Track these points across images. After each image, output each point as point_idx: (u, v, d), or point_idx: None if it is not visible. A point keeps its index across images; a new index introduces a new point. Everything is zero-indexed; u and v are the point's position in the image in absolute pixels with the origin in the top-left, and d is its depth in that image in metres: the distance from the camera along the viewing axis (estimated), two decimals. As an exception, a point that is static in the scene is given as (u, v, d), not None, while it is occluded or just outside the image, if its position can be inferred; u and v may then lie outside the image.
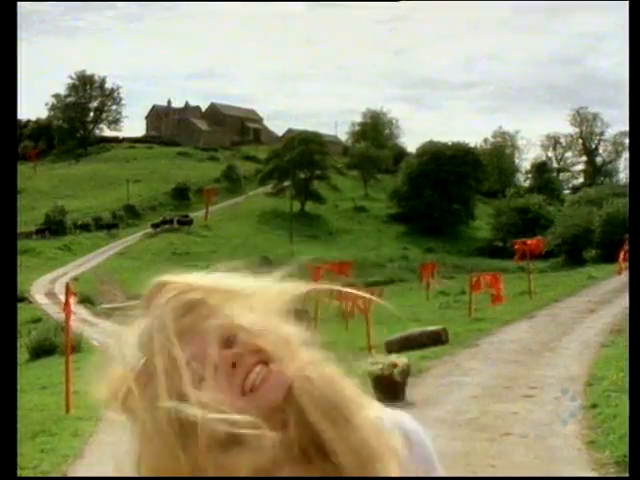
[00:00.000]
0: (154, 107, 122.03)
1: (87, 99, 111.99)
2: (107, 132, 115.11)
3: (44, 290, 44.70)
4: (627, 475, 5.60)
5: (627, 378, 7.78)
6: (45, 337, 20.39)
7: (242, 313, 1.04)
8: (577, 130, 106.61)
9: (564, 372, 10.77)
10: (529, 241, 26.42)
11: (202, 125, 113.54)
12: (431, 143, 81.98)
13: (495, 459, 6.62)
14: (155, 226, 69.37)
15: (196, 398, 0.94)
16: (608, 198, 56.29)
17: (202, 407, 0.93)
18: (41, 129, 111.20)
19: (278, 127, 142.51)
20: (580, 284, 28.05)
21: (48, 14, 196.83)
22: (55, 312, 30.68)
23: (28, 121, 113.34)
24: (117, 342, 1.09)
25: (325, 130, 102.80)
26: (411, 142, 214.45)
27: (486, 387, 10.03)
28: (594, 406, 8.21)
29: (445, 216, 77.19)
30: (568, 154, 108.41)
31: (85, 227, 70.18)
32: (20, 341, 21.75)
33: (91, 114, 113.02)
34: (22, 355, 19.48)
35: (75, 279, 47.22)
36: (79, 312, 32.04)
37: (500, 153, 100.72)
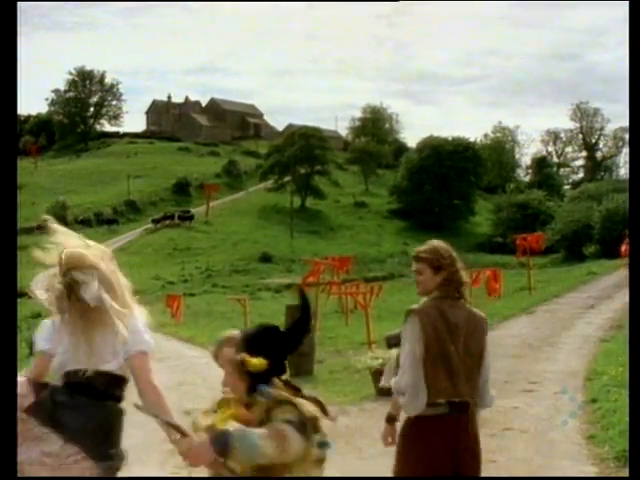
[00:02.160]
0: (154, 102, 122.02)
1: (87, 94, 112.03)
2: (107, 127, 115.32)
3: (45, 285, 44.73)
4: (627, 470, 5.62)
5: (627, 373, 7.80)
6: (45, 332, 20.36)
7: None
8: (577, 125, 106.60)
9: (564, 367, 10.79)
10: (529, 237, 26.39)
11: (202, 120, 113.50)
12: (431, 138, 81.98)
13: (495, 454, 6.64)
14: (155, 221, 69.35)
15: None
16: (608, 193, 56.26)
17: None
18: (41, 124, 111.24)
19: (278, 122, 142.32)
20: (580, 280, 28.06)
21: (47, 9, 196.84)
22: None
23: (28, 116, 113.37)
24: None
25: (325, 125, 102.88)
26: (411, 137, 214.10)
27: (486, 382, 10.05)
28: (594, 401, 8.22)
29: (445, 211, 77.22)
30: (568, 149, 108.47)
31: (86, 222, 70.16)
32: (20, 336, 21.77)
33: (91, 109, 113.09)
34: (22, 350, 19.46)
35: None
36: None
37: (500, 148, 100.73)
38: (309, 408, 2.73)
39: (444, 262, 3.77)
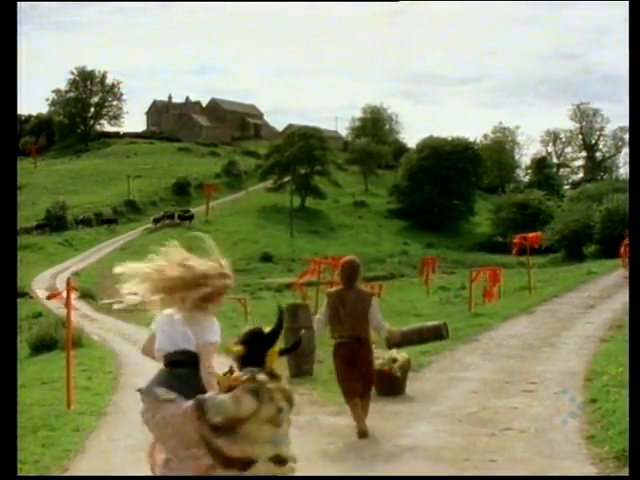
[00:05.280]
0: (155, 102, 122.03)
1: (88, 94, 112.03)
2: (108, 127, 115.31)
3: (45, 285, 44.72)
4: (626, 469, 5.62)
5: (627, 373, 7.80)
6: (46, 332, 20.36)
7: None
8: (577, 125, 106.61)
9: (564, 367, 10.79)
10: (529, 235, 26.37)
11: (202, 120, 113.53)
12: (431, 138, 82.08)
13: (495, 454, 6.65)
14: (156, 221, 69.42)
15: None
16: (608, 193, 56.25)
17: None
18: (42, 124, 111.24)
19: (278, 122, 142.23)
20: (580, 279, 28.01)
21: (47, 9, 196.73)
22: (56, 307, 30.69)
23: (29, 116, 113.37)
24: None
25: (325, 125, 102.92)
26: (411, 137, 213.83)
27: (486, 382, 10.05)
28: (594, 401, 8.22)
29: (445, 211, 77.27)
30: (568, 149, 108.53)
31: (86, 222, 70.22)
32: (21, 336, 21.75)
33: (92, 109, 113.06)
34: (23, 350, 19.49)
35: (76, 274, 47.26)
36: (80, 307, 32.07)
37: (500, 148, 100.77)
38: (265, 382, 3.99)
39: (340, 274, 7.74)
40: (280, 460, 3.99)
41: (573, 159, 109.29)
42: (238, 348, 4.19)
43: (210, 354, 4.34)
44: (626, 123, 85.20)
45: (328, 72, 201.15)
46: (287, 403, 4.09)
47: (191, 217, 70.44)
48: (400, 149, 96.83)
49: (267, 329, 4.24)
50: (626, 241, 24.19)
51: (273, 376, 4.07)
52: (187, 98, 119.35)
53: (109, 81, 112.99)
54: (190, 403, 3.94)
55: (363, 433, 7.21)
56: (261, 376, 4.00)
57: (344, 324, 7.22)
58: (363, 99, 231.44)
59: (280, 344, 4.21)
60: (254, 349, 4.13)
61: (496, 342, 13.85)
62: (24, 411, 9.05)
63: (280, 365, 4.29)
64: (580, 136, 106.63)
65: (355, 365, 7.30)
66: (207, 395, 3.97)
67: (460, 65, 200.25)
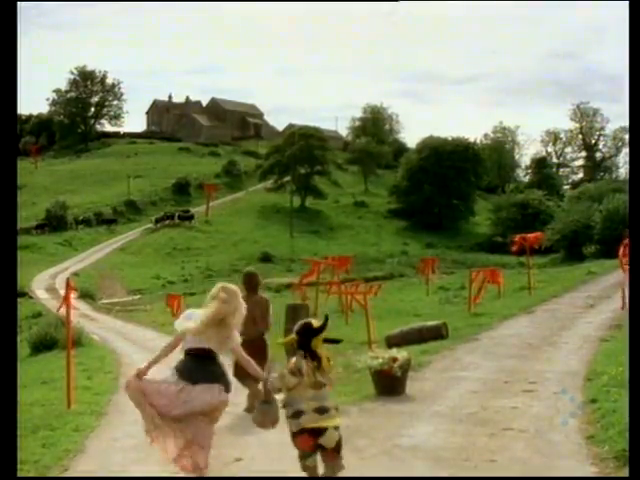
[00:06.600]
0: (155, 102, 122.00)
1: (88, 94, 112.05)
2: (108, 127, 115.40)
3: (45, 285, 44.75)
4: (626, 469, 5.62)
5: (627, 373, 7.80)
6: (46, 332, 20.40)
7: None
8: (577, 125, 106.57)
9: (564, 367, 10.78)
10: (529, 235, 26.39)
11: (203, 120, 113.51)
12: (431, 138, 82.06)
13: (495, 454, 6.64)
14: (157, 221, 69.47)
15: None
16: (608, 194, 56.21)
17: None
18: (42, 124, 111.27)
19: (279, 122, 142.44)
20: (580, 279, 28.01)
21: (47, 9, 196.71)
22: (55, 307, 30.66)
23: (29, 116, 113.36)
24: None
25: (325, 125, 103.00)
26: (411, 137, 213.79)
27: (486, 382, 10.04)
28: (593, 401, 8.21)
29: (445, 211, 77.27)
30: (568, 149, 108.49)
31: (86, 222, 70.25)
32: (21, 336, 21.76)
33: (92, 109, 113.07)
34: (23, 350, 19.49)
35: (76, 274, 47.27)
36: (80, 307, 32.07)
37: (500, 148, 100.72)
38: (300, 363, 5.42)
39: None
40: (322, 410, 5.39)
41: (573, 159, 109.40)
42: (293, 337, 5.57)
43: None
44: (626, 123, 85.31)
45: (328, 72, 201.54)
46: (324, 373, 5.49)
47: (191, 217, 70.49)
48: (400, 149, 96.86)
49: (315, 323, 5.54)
50: (625, 241, 24.13)
51: (314, 356, 5.43)
52: (187, 98, 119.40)
53: (109, 81, 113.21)
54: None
55: (251, 409, 8.47)
56: (299, 359, 5.44)
57: (257, 324, 8.82)
58: (363, 99, 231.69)
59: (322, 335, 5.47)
60: (304, 336, 5.44)
61: (496, 342, 13.84)
62: (24, 411, 9.05)
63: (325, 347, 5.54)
64: (580, 136, 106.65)
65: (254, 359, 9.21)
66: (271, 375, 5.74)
67: (460, 65, 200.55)
